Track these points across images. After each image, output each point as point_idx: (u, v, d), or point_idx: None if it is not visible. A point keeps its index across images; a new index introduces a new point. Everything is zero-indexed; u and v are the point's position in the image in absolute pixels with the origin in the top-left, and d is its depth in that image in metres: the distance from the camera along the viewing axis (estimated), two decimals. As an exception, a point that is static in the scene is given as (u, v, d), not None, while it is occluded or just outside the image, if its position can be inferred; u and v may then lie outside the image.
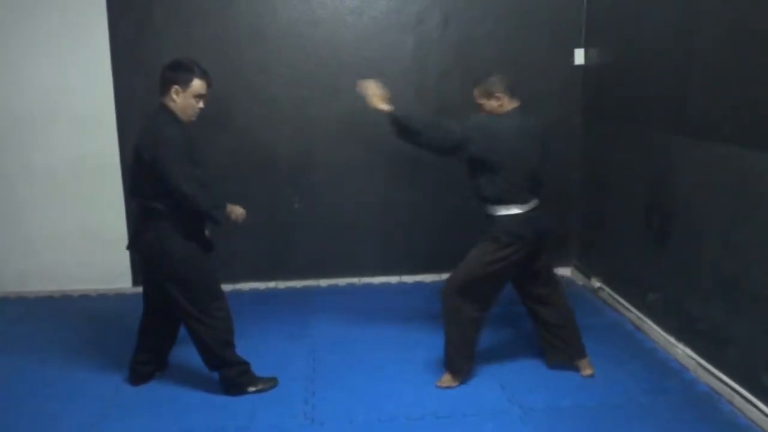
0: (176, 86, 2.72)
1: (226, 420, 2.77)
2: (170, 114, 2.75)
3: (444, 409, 2.82)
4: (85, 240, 4.23)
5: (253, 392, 2.96)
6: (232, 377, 2.95)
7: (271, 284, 4.32)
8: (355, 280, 4.47)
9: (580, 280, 4.40)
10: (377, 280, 4.47)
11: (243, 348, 3.04)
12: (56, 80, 4.03)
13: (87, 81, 4.04)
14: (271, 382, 3.04)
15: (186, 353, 3.39)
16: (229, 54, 4.06)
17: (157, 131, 2.69)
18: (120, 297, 4.25)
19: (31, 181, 4.14)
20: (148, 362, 3.09)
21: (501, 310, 3.91)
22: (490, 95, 2.90)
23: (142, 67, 4.02)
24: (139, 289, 4.23)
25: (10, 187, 4.15)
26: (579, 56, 4.24)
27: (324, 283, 4.45)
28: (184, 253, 2.79)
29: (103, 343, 3.54)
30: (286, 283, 4.41)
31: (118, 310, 4.06)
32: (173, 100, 2.74)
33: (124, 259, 4.27)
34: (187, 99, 2.74)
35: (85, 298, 4.24)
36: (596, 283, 4.13)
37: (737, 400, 2.78)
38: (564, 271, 4.56)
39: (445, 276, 4.40)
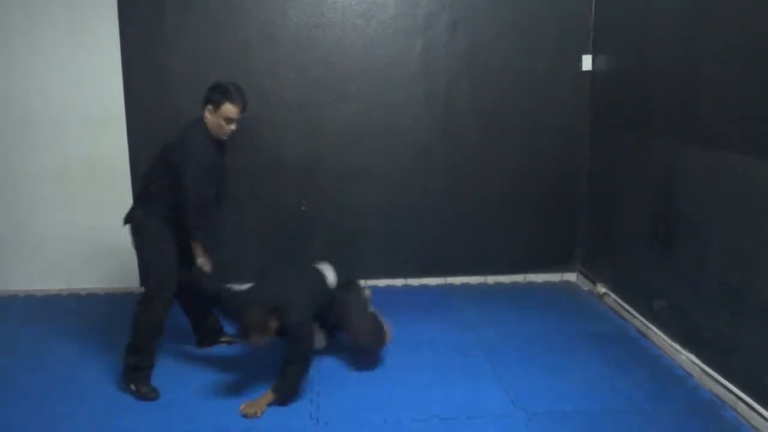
0: (209, 105, 2.95)
1: (231, 420, 2.79)
2: (203, 127, 2.97)
3: (448, 412, 2.83)
4: (94, 239, 4.26)
5: (133, 392, 2.98)
6: (130, 365, 3.00)
7: (277, 286, 4.33)
8: (360, 282, 4.47)
9: (585, 285, 4.40)
10: (382, 282, 4.47)
11: (250, 349, 3.06)
12: (66, 82, 4.07)
13: (97, 83, 4.08)
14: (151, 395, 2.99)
15: (189, 354, 3.43)
16: (239, 57, 4.09)
17: (186, 139, 2.93)
18: (128, 296, 4.27)
19: (40, 181, 4.19)
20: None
21: (508, 315, 3.93)
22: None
23: (152, 70, 4.06)
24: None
25: (20, 187, 4.19)
26: (587, 62, 4.25)
27: (330, 285, 4.46)
28: (155, 235, 3.01)
29: (110, 342, 3.55)
30: (292, 284, 4.41)
31: (126, 309, 4.06)
32: (206, 117, 2.97)
33: (132, 258, 4.29)
34: (217, 119, 2.95)
35: (92, 297, 4.27)
36: (602, 289, 4.13)
37: (741, 407, 2.78)
38: (569, 277, 4.56)
39: (450, 279, 4.49)
